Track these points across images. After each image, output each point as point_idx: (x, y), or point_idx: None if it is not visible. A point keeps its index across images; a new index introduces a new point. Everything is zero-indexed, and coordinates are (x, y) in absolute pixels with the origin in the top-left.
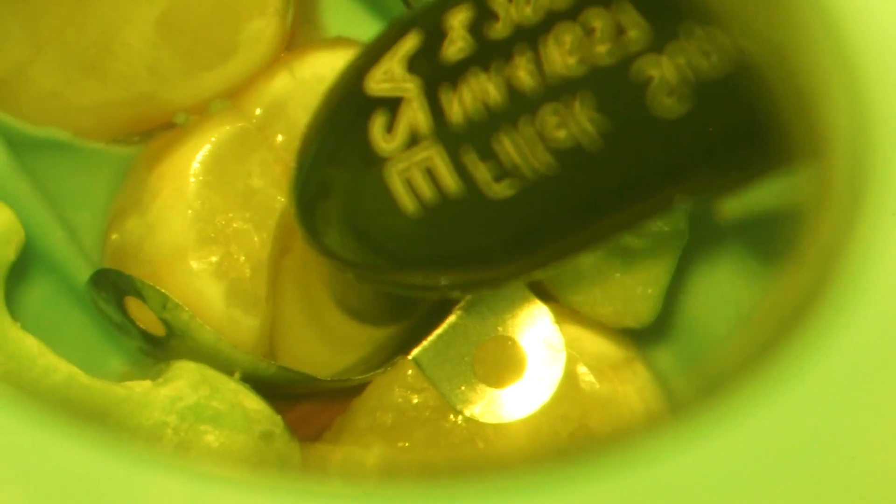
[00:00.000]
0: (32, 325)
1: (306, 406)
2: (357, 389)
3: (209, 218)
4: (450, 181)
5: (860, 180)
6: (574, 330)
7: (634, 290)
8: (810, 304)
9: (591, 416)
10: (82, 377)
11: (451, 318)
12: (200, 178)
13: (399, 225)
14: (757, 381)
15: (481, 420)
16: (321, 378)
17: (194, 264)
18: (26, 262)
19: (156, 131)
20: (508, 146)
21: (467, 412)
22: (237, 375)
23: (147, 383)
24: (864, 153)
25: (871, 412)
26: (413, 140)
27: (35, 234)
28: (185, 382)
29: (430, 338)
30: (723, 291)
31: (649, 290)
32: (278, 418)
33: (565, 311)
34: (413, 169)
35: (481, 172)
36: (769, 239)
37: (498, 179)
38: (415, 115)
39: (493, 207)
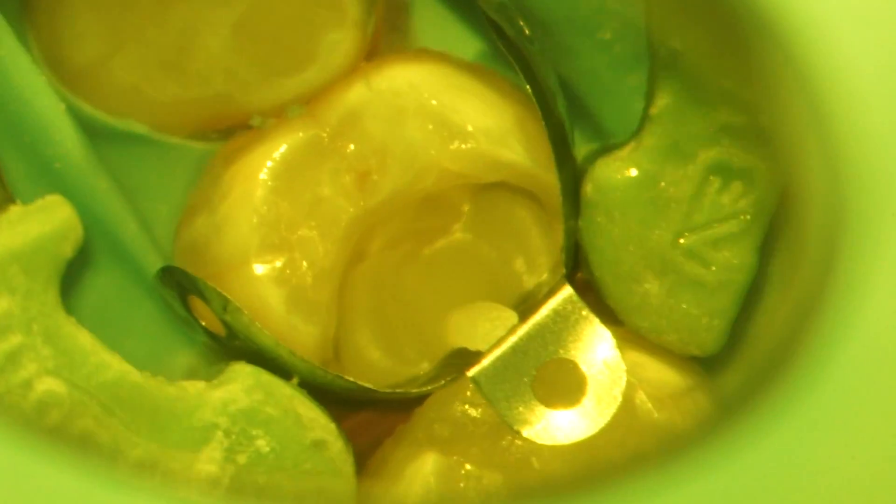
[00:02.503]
0: (103, 314)
1: (365, 414)
2: (416, 401)
3: (275, 224)
4: None
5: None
6: (636, 356)
7: (700, 320)
8: (812, 315)
9: (647, 444)
10: (134, 375)
11: (513, 339)
12: (269, 183)
13: None
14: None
15: (537, 441)
16: (378, 389)
17: (257, 269)
18: (98, 251)
19: (234, 130)
20: None
21: (524, 432)
22: (294, 381)
23: (201, 384)
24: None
25: (875, 416)
26: None
27: (109, 223)
28: (239, 386)
29: (490, 357)
30: None
31: (715, 322)
32: (333, 426)
33: (629, 335)
34: None
35: None
36: None
37: None
38: None
39: None
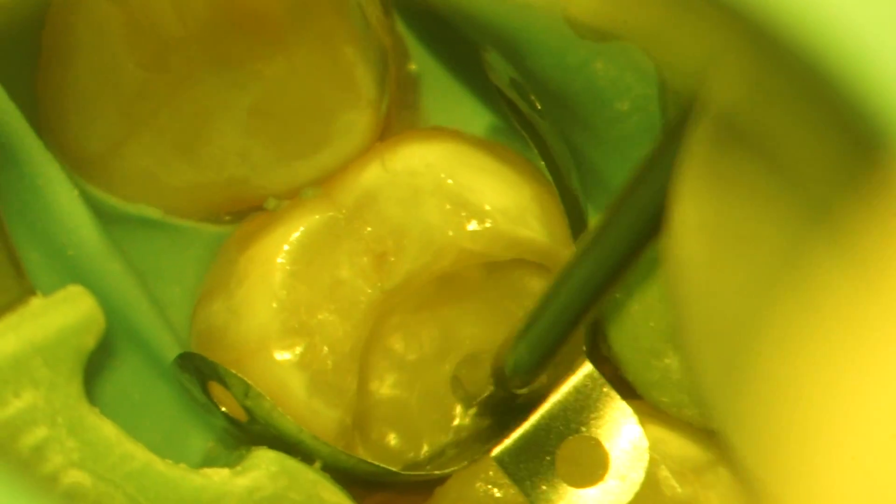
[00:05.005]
0: (119, 399)
1: (386, 494)
2: (438, 481)
3: (294, 309)
4: None
5: None
6: (658, 431)
7: None
8: None
9: None
10: (159, 464)
11: (535, 418)
12: (287, 267)
13: None
14: None
15: None
16: (400, 471)
17: (277, 355)
18: (115, 336)
19: (248, 212)
20: None
21: None
22: (317, 465)
23: (225, 472)
24: None
25: None
26: None
27: (124, 308)
28: (263, 473)
29: (513, 436)
30: None
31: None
32: None
33: (648, 409)
34: None
35: None
36: None
37: None
38: None
39: None
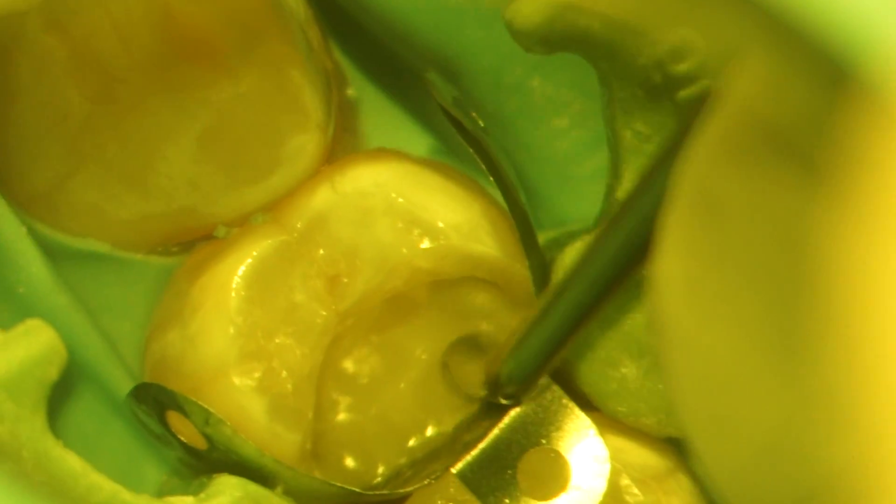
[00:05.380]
0: (74, 435)
1: None
2: (399, 500)
3: (251, 333)
4: None
5: None
6: (617, 441)
7: None
8: None
9: None
10: (125, 494)
11: (495, 432)
12: (242, 293)
13: None
14: None
15: None
16: (363, 492)
17: (236, 380)
18: (67, 373)
19: (196, 243)
20: None
21: None
22: (280, 489)
23: (189, 500)
24: None
25: None
26: None
27: (75, 345)
28: (227, 499)
29: (474, 452)
30: None
31: None
32: None
33: (608, 420)
34: None
35: None
36: None
37: None
38: None
39: None
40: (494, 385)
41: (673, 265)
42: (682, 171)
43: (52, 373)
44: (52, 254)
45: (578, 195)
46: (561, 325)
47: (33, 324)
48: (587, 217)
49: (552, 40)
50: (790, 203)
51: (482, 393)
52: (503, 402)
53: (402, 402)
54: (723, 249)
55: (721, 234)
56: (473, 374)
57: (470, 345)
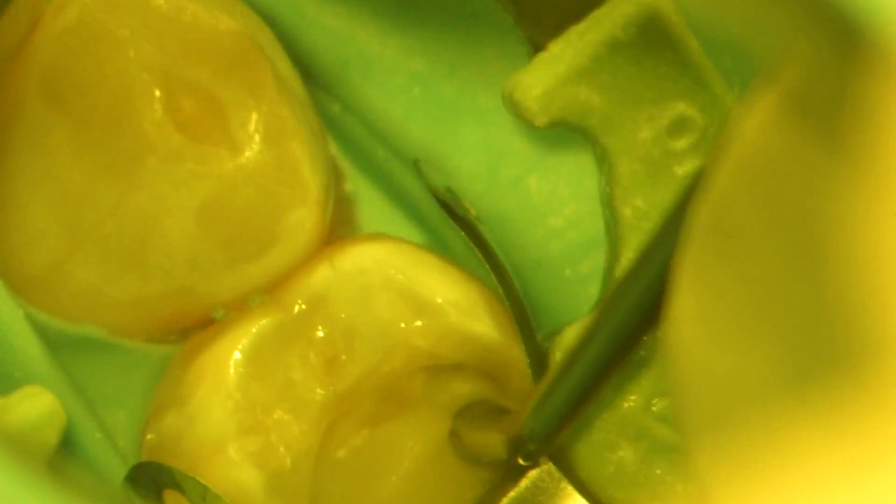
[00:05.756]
0: None
1: None
2: None
3: (250, 407)
4: None
5: None
6: None
7: (675, 486)
8: None
9: None
10: None
11: None
12: (241, 369)
13: None
14: None
15: None
16: None
17: (234, 454)
18: (62, 458)
19: (193, 330)
20: None
21: None
22: None
23: None
24: None
25: None
26: None
27: (70, 432)
28: None
29: None
30: None
31: (690, 487)
32: None
33: None
34: None
35: None
36: None
37: None
38: None
39: None
40: (516, 444)
41: (685, 298)
42: (697, 208)
43: (52, 436)
44: (49, 341)
45: (572, 298)
46: (585, 377)
47: (31, 389)
48: (577, 317)
49: (552, 113)
50: (814, 214)
51: (504, 455)
52: (522, 463)
53: (394, 495)
54: (737, 277)
55: (735, 262)
56: (486, 439)
57: (476, 411)
